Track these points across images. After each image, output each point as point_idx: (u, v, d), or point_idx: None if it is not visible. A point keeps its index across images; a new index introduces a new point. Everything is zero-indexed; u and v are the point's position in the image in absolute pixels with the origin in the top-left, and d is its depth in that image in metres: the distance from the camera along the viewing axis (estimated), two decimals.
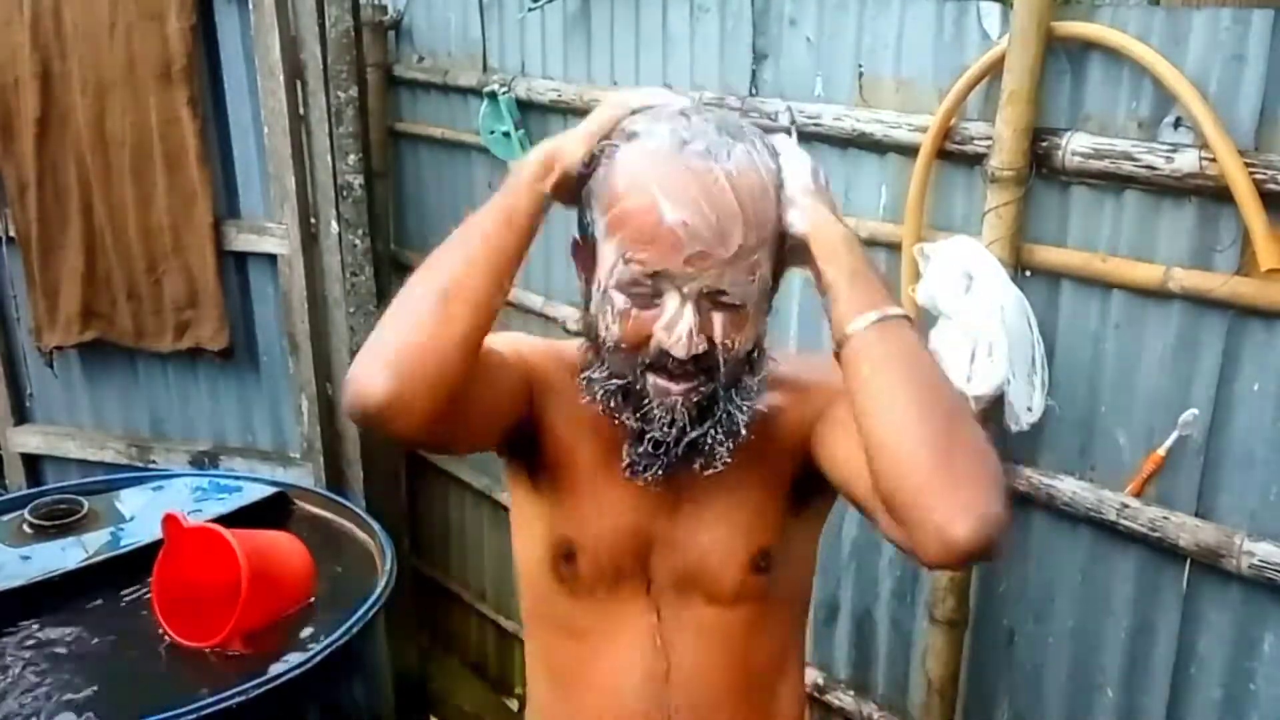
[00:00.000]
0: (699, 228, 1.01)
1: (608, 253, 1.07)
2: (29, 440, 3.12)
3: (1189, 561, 1.58)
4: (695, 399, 1.07)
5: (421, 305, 1.03)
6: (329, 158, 2.72)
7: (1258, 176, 1.40)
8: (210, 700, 1.61)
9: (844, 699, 2.14)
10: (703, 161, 1.02)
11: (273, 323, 2.87)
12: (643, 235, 1.03)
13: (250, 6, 2.58)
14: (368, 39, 3.06)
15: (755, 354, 1.13)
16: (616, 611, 1.20)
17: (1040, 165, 1.65)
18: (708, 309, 1.05)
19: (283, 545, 1.91)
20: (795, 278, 2.09)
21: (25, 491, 2.63)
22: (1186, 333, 1.54)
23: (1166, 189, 1.53)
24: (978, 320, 1.59)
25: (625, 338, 1.07)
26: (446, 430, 1.07)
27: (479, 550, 3.18)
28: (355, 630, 1.79)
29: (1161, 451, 1.58)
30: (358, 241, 2.95)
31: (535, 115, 2.69)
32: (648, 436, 1.08)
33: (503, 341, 1.20)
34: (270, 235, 2.76)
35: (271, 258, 2.78)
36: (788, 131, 1.94)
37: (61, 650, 1.77)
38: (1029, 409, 1.63)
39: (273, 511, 2.19)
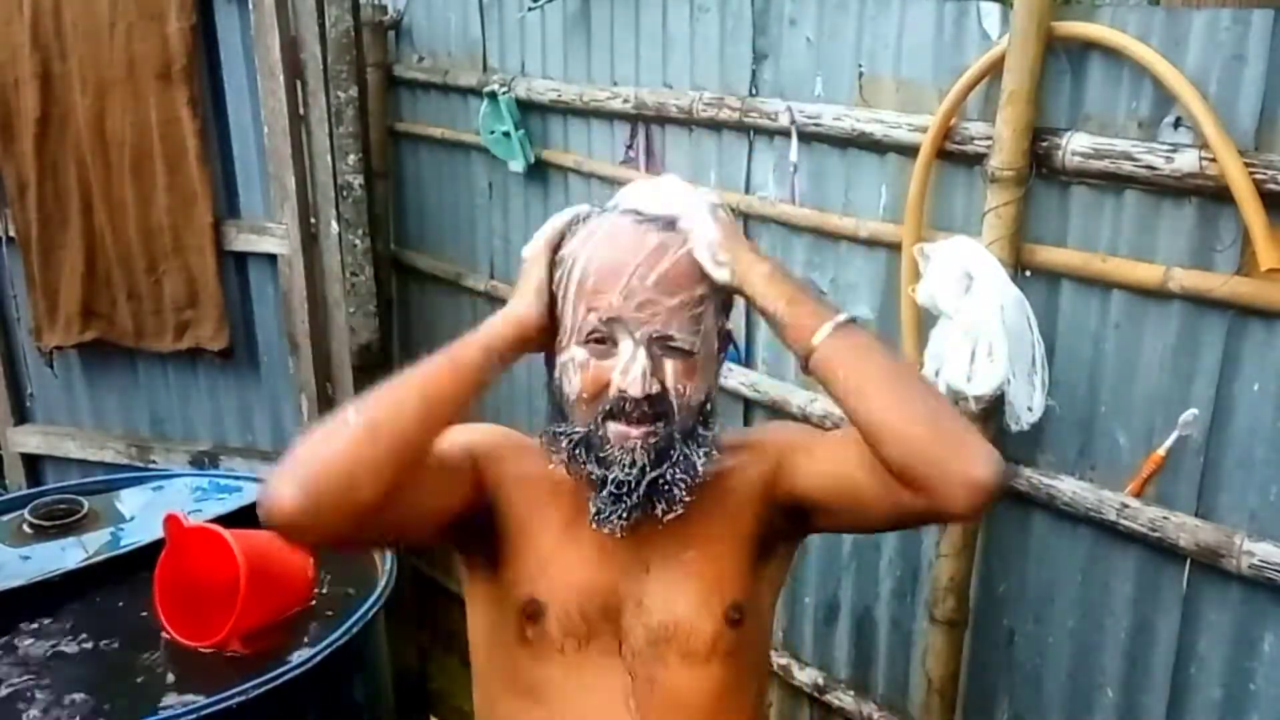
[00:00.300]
0: (646, 278, 1.15)
1: (569, 312, 1.20)
2: (29, 440, 3.12)
3: (1189, 561, 1.58)
4: (653, 441, 1.16)
5: (344, 430, 1.09)
6: (329, 158, 2.72)
7: (1258, 176, 1.40)
8: (210, 700, 1.61)
9: (844, 699, 2.14)
10: (643, 228, 1.19)
11: (273, 323, 2.87)
12: (598, 287, 1.17)
13: (250, 6, 2.58)
14: (368, 39, 3.06)
15: (708, 405, 1.23)
16: (587, 673, 1.21)
17: (1040, 165, 1.65)
18: (659, 355, 1.16)
19: (283, 546, 1.91)
20: (795, 263, 2.10)
21: (25, 491, 2.63)
22: (1186, 333, 1.54)
23: (1166, 189, 1.53)
24: (978, 320, 1.59)
25: (586, 386, 1.18)
26: (361, 541, 1.19)
27: None
28: (355, 630, 1.79)
29: (1161, 451, 1.58)
30: (358, 241, 2.96)
31: (535, 115, 2.69)
32: (610, 479, 1.15)
33: (453, 437, 1.25)
34: (270, 235, 2.76)
35: (271, 258, 2.78)
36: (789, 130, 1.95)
37: (61, 650, 1.77)
38: (1029, 409, 1.63)
39: None
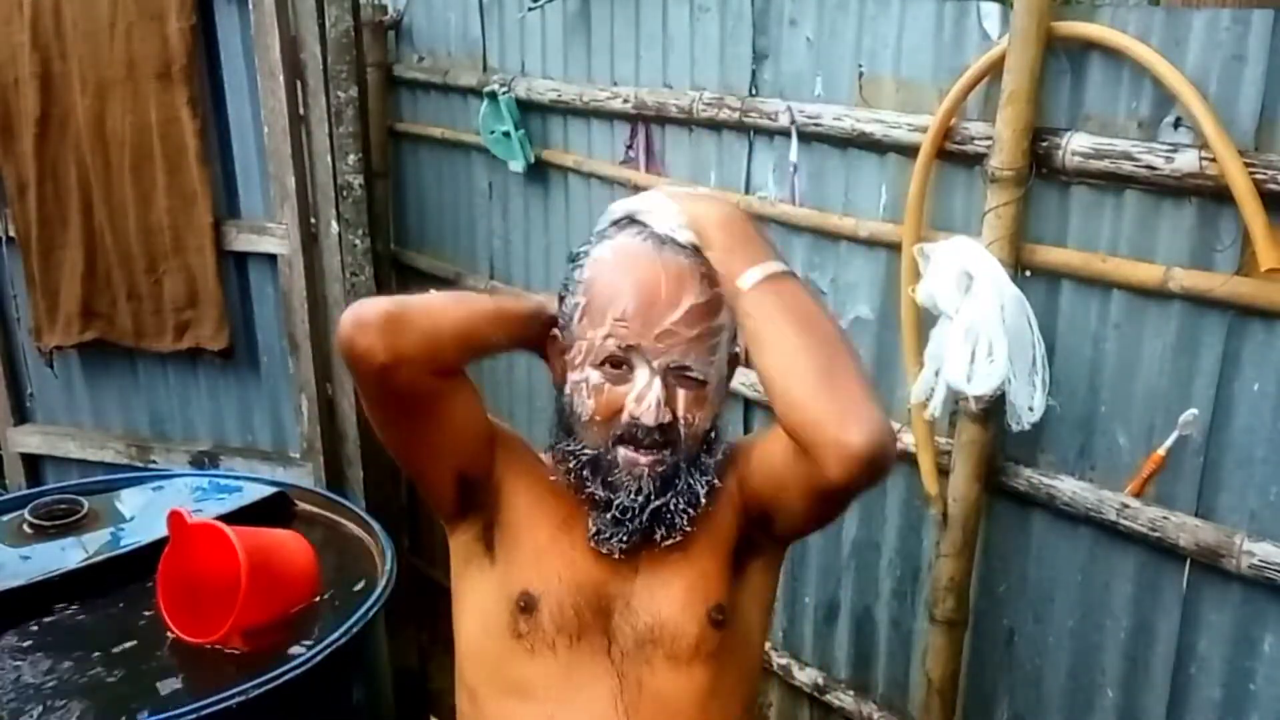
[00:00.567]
0: (667, 309, 1.17)
1: (585, 333, 1.20)
2: (29, 440, 3.12)
3: (1189, 561, 1.58)
4: (660, 469, 1.18)
5: (430, 295, 1.24)
6: (329, 158, 2.72)
7: (1258, 176, 1.40)
8: (210, 700, 1.60)
9: (844, 699, 2.14)
10: (662, 254, 1.19)
11: (273, 323, 2.87)
12: (618, 313, 1.18)
13: (250, 6, 2.58)
14: (368, 39, 3.06)
15: (713, 434, 1.25)
16: (576, 672, 1.22)
17: (1040, 165, 1.65)
18: (673, 384, 1.18)
19: (287, 544, 1.91)
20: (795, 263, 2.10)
21: (25, 491, 2.63)
22: (1186, 333, 1.54)
23: (1166, 189, 1.53)
24: (978, 320, 1.59)
25: (599, 410, 1.19)
26: (418, 398, 1.19)
27: None
28: (355, 630, 1.79)
29: (1161, 451, 1.58)
30: (358, 241, 2.95)
31: (535, 115, 2.69)
32: (615, 504, 1.18)
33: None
34: (270, 235, 2.76)
35: (271, 258, 2.78)
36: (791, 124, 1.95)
37: (61, 650, 1.77)
38: (1029, 409, 1.63)
39: (273, 511, 2.19)
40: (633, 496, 1.17)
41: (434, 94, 3.09)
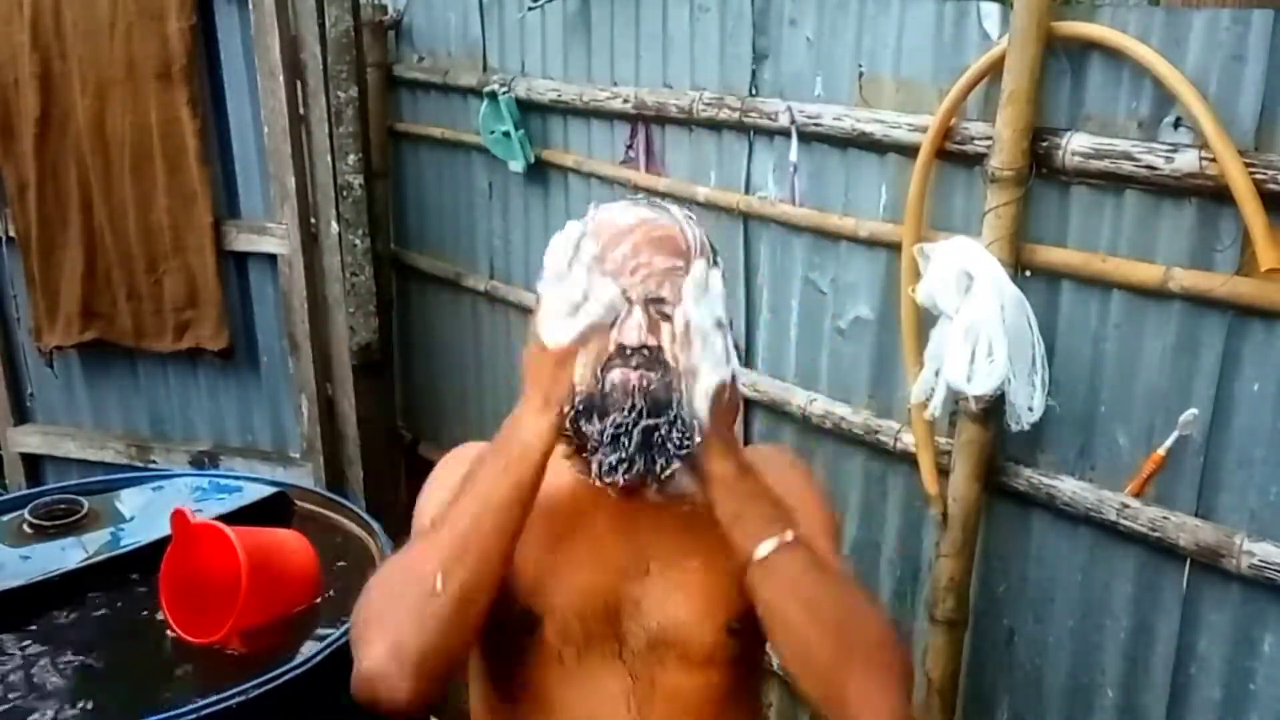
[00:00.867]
0: (640, 244, 1.19)
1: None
2: (29, 440, 3.12)
3: (1189, 561, 1.58)
4: (649, 385, 1.14)
5: (436, 606, 1.08)
6: (329, 158, 2.72)
7: (1258, 176, 1.40)
8: (210, 700, 1.60)
9: None
10: (638, 206, 1.25)
11: (273, 323, 2.87)
12: (604, 253, 1.18)
13: (250, 6, 2.58)
14: (368, 39, 3.07)
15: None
16: (586, 677, 1.20)
17: (1040, 165, 1.65)
18: (655, 317, 1.16)
19: (289, 544, 1.91)
20: (794, 278, 2.10)
21: (25, 491, 2.62)
22: (1186, 333, 1.54)
23: (1166, 189, 1.53)
24: (978, 320, 1.59)
25: (591, 351, 1.16)
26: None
27: None
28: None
29: (1161, 451, 1.58)
30: (358, 241, 2.96)
31: (535, 115, 2.69)
32: (610, 422, 1.14)
33: (452, 476, 1.23)
34: (270, 235, 2.76)
35: (271, 258, 2.78)
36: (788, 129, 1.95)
37: (61, 650, 1.77)
38: (1029, 409, 1.63)
39: (273, 511, 2.19)
40: (626, 413, 1.14)
41: (434, 94, 3.09)
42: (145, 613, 1.87)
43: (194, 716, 1.57)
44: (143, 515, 2.19)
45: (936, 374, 1.68)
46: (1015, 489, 1.78)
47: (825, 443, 2.11)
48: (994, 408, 1.69)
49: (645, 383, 1.15)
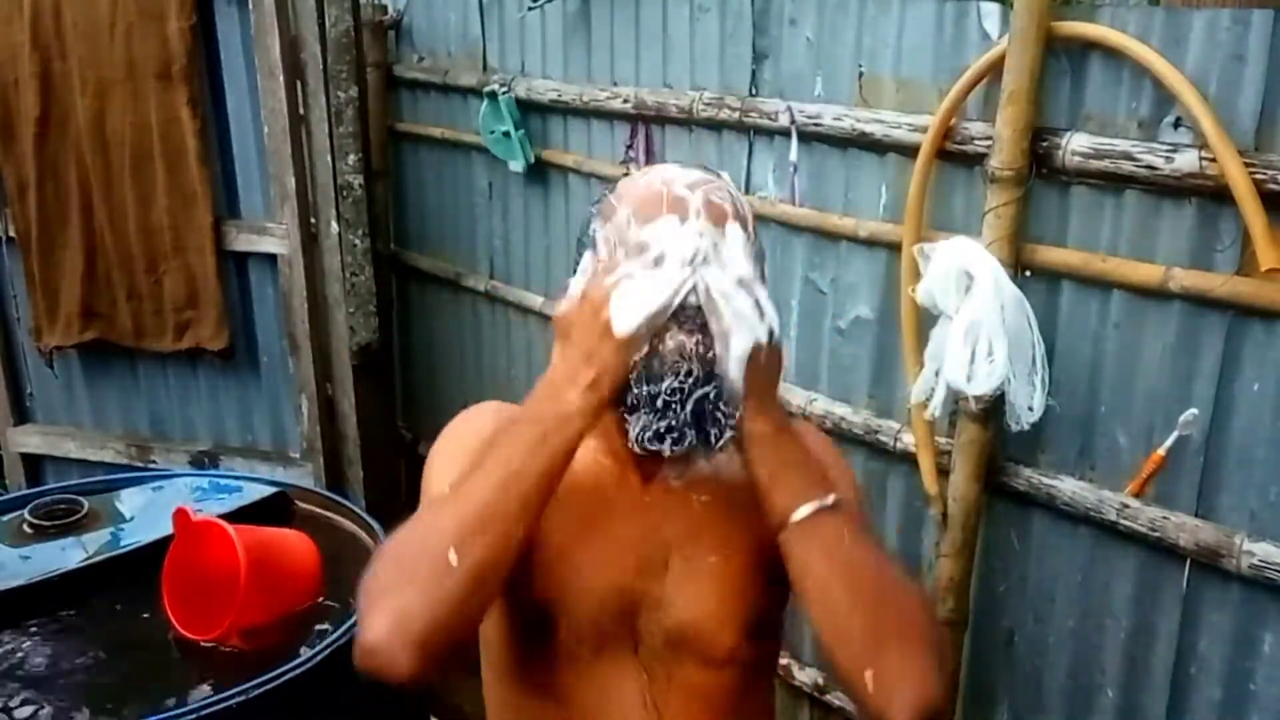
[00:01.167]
0: (697, 200, 1.10)
1: (620, 243, 1.11)
2: (29, 440, 3.12)
3: (1189, 561, 1.58)
4: (705, 352, 1.07)
5: (450, 581, 1.02)
6: (329, 158, 2.72)
7: (1258, 176, 1.40)
8: (210, 700, 1.60)
9: (844, 699, 2.14)
10: (696, 177, 1.14)
11: (273, 323, 2.87)
12: (653, 210, 1.10)
13: (250, 6, 2.58)
14: (368, 39, 3.07)
15: None
16: (603, 674, 1.17)
17: (1040, 165, 1.65)
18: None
19: (291, 543, 1.91)
20: (794, 278, 2.10)
21: (25, 491, 2.62)
22: (1186, 333, 1.54)
23: (1166, 189, 1.53)
24: (978, 320, 1.59)
25: None
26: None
27: None
28: (355, 630, 1.79)
29: (1161, 451, 1.58)
30: (358, 241, 2.96)
31: (535, 115, 2.69)
32: (665, 387, 1.07)
33: (467, 438, 1.18)
34: (270, 235, 2.76)
35: (271, 258, 2.78)
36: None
37: (61, 650, 1.77)
38: (1029, 409, 1.63)
39: (273, 511, 2.19)
40: (681, 378, 1.07)
41: (434, 94, 3.09)
42: (145, 613, 1.87)
43: (194, 716, 1.58)
44: (143, 515, 2.19)
45: (936, 374, 1.68)
46: (1015, 489, 1.78)
47: None
48: (994, 408, 1.70)
49: (701, 348, 1.08)
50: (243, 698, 1.61)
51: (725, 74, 2.18)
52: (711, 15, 2.17)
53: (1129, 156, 1.55)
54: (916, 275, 1.73)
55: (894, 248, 1.87)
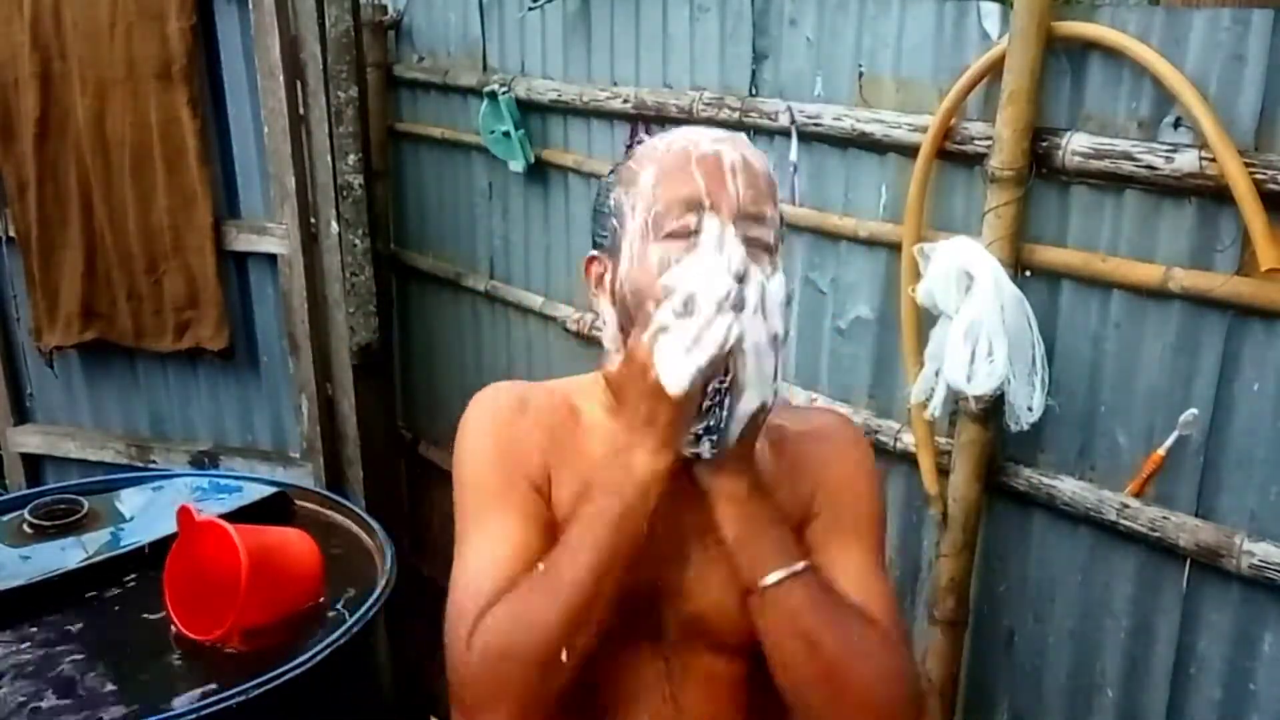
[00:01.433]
0: (732, 155, 1.09)
1: (639, 215, 1.09)
2: (29, 440, 3.12)
3: (1189, 561, 1.58)
4: (739, 333, 1.03)
5: (561, 676, 1.04)
6: (329, 158, 2.72)
7: (1258, 176, 1.40)
8: (210, 700, 1.60)
9: None
10: (722, 134, 1.13)
11: (273, 323, 2.87)
12: (682, 171, 1.08)
13: (250, 6, 2.58)
14: (368, 39, 3.06)
15: (785, 313, 1.10)
16: (621, 661, 1.17)
17: (1040, 165, 1.65)
18: (746, 255, 1.05)
19: (293, 543, 1.91)
20: (794, 278, 2.10)
21: (25, 491, 2.62)
22: (1186, 333, 1.54)
23: (1166, 189, 1.53)
24: (978, 320, 1.59)
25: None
26: None
27: None
28: (355, 630, 1.79)
29: (1161, 451, 1.58)
30: (358, 241, 2.96)
31: (535, 115, 2.69)
32: (709, 389, 1.04)
33: (505, 466, 1.16)
34: (270, 235, 2.76)
35: (271, 258, 2.78)
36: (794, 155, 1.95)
37: (61, 650, 1.77)
38: (1029, 409, 1.63)
39: (273, 511, 2.19)
40: (721, 378, 1.02)
41: (434, 94, 3.09)
42: (145, 613, 1.87)
43: (194, 716, 1.58)
44: (143, 515, 2.19)
45: (936, 374, 1.68)
46: (1015, 489, 1.78)
47: None
48: (994, 408, 1.70)
49: (740, 340, 1.01)
50: (243, 698, 1.61)
51: (725, 74, 2.18)
52: (711, 15, 2.17)
53: (1129, 156, 1.55)
54: (916, 275, 1.73)
55: (894, 248, 1.87)
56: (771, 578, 1.05)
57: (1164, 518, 1.59)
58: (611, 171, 1.17)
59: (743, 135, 1.15)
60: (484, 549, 1.12)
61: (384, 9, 3.15)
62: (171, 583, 1.81)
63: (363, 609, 1.84)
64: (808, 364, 2.12)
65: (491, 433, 1.17)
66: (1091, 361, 1.67)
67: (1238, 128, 1.44)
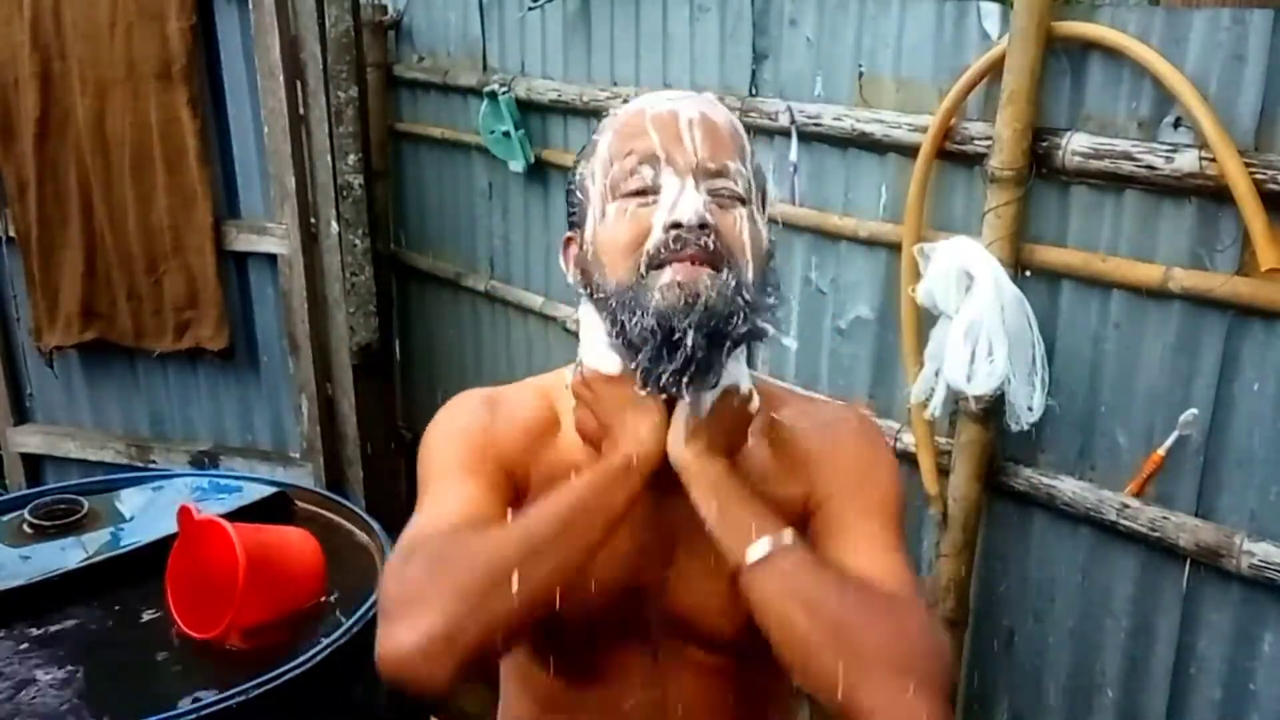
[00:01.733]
0: (689, 111, 1.05)
1: (599, 179, 1.07)
2: (29, 440, 3.12)
3: (1189, 561, 1.58)
4: (716, 284, 0.99)
5: (506, 603, 0.96)
6: (329, 158, 2.72)
7: (1258, 176, 1.40)
8: (210, 700, 1.60)
9: None
10: (680, 93, 1.10)
11: (273, 323, 2.87)
12: (636, 129, 1.05)
13: (250, 6, 2.58)
14: (368, 39, 3.06)
15: (771, 264, 1.07)
16: (613, 658, 1.15)
17: (1040, 165, 1.65)
18: (708, 201, 1.01)
19: (294, 543, 1.91)
20: (794, 278, 2.10)
21: (25, 491, 2.62)
22: (1186, 333, 1.54)
23: (1166, 189, 1.53)
24: (978, 320, 1.59)
25: (624, 237, 1.02)
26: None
27: None
28: (355, 630, 1.79)
29: (1161, 451, 1.58)
30: (358, 241, 2.96)
31: (535, 115, 2.69)
32: (665, 328, 0.99)
33: (473, 446, 1.13)
34: (270, 235, 2.76)
35: (271, 258, 2.78)
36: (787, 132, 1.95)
37: (61, 651, 1.77)
38: (1029, 409, 1.64)
39: (273, 511, 2.19)
40: (682, 318, 0.96)
41: (434, 94, 3.09)
42: (145, 613, 1.87)
43: (194, 716, 1.58)
44: (143, 515, 2.19)
45: (936, 374, 1.68)
46: (1015, 489, 1.78)
47: None
48: (994, 408, 1.69)
49: (710, 281, 0.98)
50: (243, 698, 1.61)
51: (725, 74, 2.18)
52: (711, 15, 2.17)
53: (1129, 156, 1.55)
54: (916, 275, 1.73)
55: (894, 248, 1.87)
56: (760, 548, 1.00)
57: (1164, 518, 1.59)
58: (580, 150, 1.16)
59: (708, 94, 1.11)
60: (440, 506, 1.08)
61: (384, 9, 3.15)
62: (173, 581, 1.81)
63: (363, 609, 1.84)
64: (808, 364, 2.12)
65: (461, 427, 1.15)
66: (1091, 361, 1.67)
67: (1238, 128, 1.44)
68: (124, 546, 2.04)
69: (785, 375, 2.16)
